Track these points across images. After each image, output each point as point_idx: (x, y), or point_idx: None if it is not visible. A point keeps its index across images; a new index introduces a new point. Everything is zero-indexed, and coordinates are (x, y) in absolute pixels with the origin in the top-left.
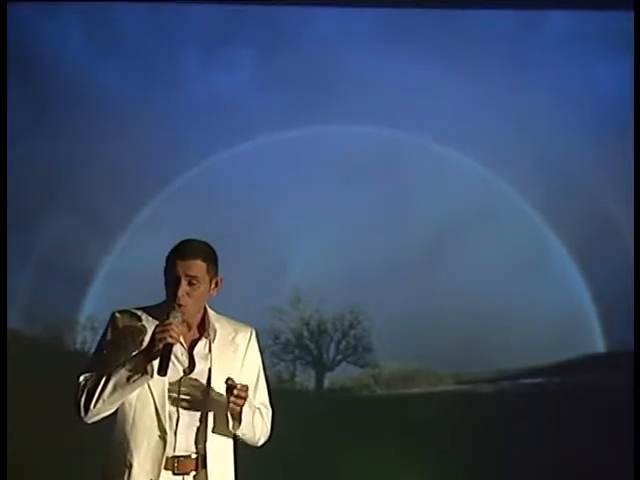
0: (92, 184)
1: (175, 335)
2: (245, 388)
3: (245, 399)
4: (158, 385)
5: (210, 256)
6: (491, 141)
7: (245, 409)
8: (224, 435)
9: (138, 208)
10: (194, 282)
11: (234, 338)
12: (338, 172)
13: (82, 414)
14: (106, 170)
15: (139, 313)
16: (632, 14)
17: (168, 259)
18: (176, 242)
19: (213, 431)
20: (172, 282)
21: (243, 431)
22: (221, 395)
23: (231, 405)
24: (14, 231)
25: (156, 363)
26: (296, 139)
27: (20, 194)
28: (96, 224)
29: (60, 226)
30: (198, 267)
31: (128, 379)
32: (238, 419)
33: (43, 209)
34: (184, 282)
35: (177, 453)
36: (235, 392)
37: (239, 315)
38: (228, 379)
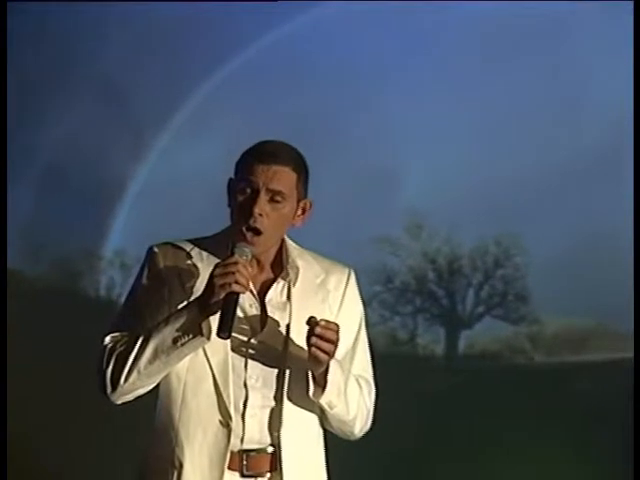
0: (119, 61)
1: (243, 280)
2: (334, 327)
3: (334, 343)
4: (218, 350)
5: (301, 166)
6: None
7: (333, 366)
8: (309, 419)
9: (182, 95)
10: (278, 199)
11: (324, 281)
12: (474, 47)
13: (108, 390)
14: (138, 42)
15: (188, 248)
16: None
17: (241, 164)
18: (236, 145)
19: (293, 413)
20: (245, 196)
21: (330, 399)
22: (305, 360)
23: (312, 350)
24: (9, 126)
25: (215, 320)
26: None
27: (18, 71)
28: (124, 117)
29: (74, 119)
30: (286, 178)
31: (175, 341)
32: (322, 380)
33: (50, 94)
34: (264, 197)
35: (246, 446)
36: (317, 331)
37: (333, 250)
38: (310, 318)
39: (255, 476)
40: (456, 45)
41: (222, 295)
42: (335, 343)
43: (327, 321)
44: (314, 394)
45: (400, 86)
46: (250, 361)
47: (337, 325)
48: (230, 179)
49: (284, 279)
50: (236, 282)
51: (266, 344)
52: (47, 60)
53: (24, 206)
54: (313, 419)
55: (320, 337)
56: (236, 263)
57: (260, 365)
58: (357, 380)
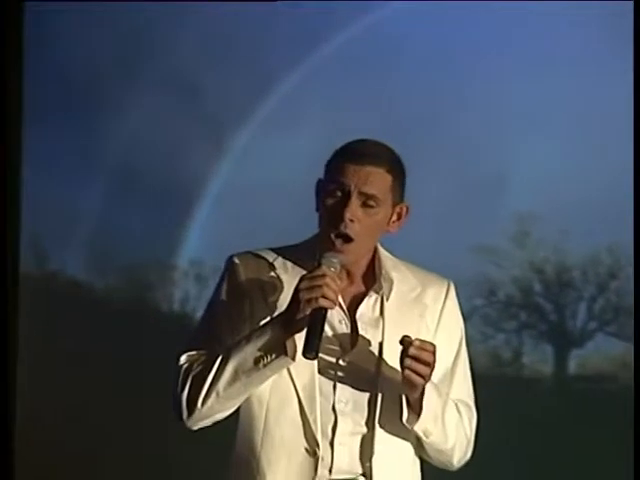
0: (195, 52)
1: (332, 294)
2: (430, 347)
3: (430, 365)
4: (304, 371)
5: (397, 167)
6: None
7: (429, 390)
8: (403, 447)
9: (265, 89)
10: (371, 203)
11: (420, 295)
12: (584, 41)
13: (184, 415)
14: (215, 32)
15: (272, 258)
16: None
17: (331, 165)
18: (327, 144)
19: (386, 441)
20: (335, 200)
21: (426, 426)
22: (400, 383)
23: (406, 373)
24: (71, 118)
25: (301, 338)
26: None
27: (85, 67)
28: (201, 113)
29: (145, 116)
30: (380, 180)
31: (257, 362)
32: (417, 406)
33: (119, 89)
34: (356, 200)
35: (335, 476)
36: (412, 352)
37: (430, 259)
38: (404, 337)
39: None
40: (566, 39)
41: (308, 311)
42: (431, 365)
43: (422, 341)
44: (408, 421)
45: (506, 81)
46: (339, 383)
47: (433, 345)
48: (319, 180)
49: (377, 292)
50: (324, 296)
51: (357, 365)
52: (115, 54)
53: (91, 210)
54: (408, 447)
55: (415, 359)
56: (324, 275)
57: (350, 388)
58: (456, 405)
